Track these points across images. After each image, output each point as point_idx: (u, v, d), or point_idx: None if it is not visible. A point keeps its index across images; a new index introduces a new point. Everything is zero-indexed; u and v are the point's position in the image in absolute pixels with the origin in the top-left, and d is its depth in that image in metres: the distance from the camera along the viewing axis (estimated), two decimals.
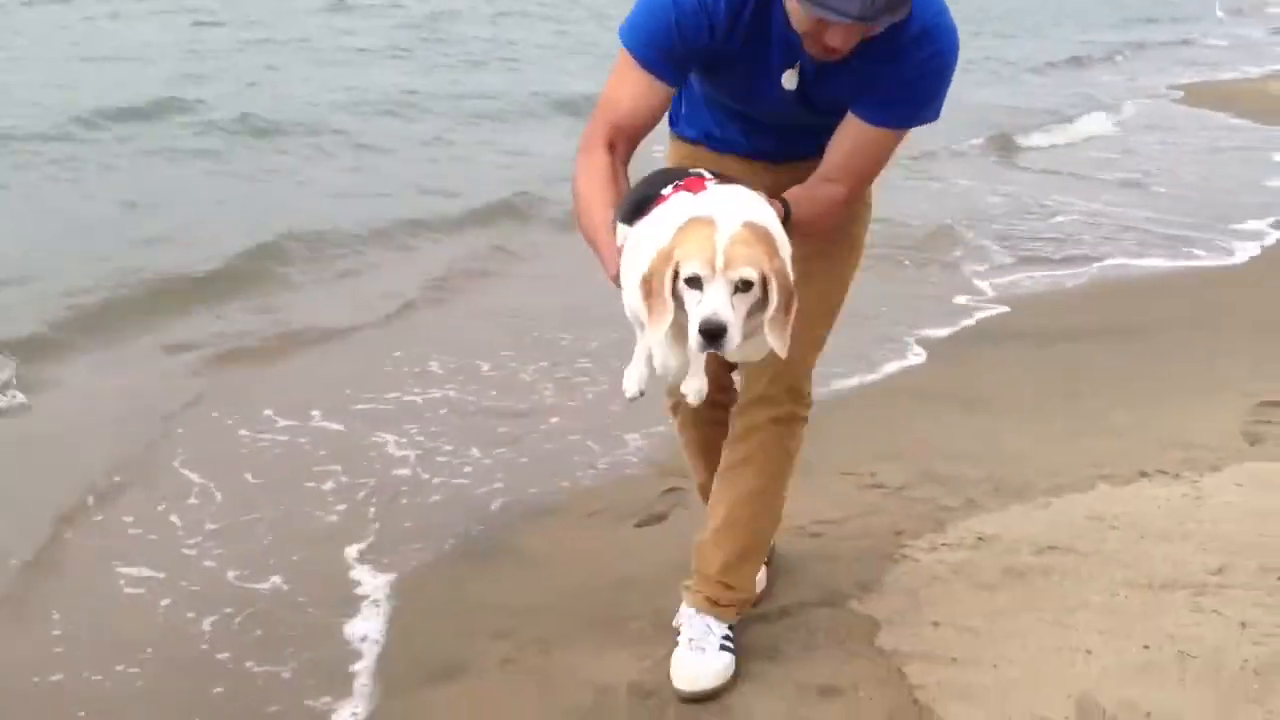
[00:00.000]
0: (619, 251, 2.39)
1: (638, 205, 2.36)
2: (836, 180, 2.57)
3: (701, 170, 2.41)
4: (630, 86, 2.50)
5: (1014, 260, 7.28)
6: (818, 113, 2.58)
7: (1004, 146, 11.10)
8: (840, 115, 2.55)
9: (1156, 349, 5.53)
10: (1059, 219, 8.50)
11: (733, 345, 2.11)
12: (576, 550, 3.57)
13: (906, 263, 7.03)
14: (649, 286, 2.16)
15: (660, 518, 3.77)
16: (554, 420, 4.63)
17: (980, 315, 6.16)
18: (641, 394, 2.46)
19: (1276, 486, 3.92)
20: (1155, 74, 18.18)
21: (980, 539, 3.54)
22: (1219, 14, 31.67)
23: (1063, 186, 9.68)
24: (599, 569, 3.43)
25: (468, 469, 4.16)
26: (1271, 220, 8.39)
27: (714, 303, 2.07)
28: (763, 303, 2.16)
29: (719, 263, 2.08)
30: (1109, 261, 7.34)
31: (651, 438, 4.33)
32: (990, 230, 7.98)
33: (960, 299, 6.43)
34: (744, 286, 2.10)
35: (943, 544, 3.52)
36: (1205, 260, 7.42)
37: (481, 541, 3.67)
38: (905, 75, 2.45)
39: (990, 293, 6.57)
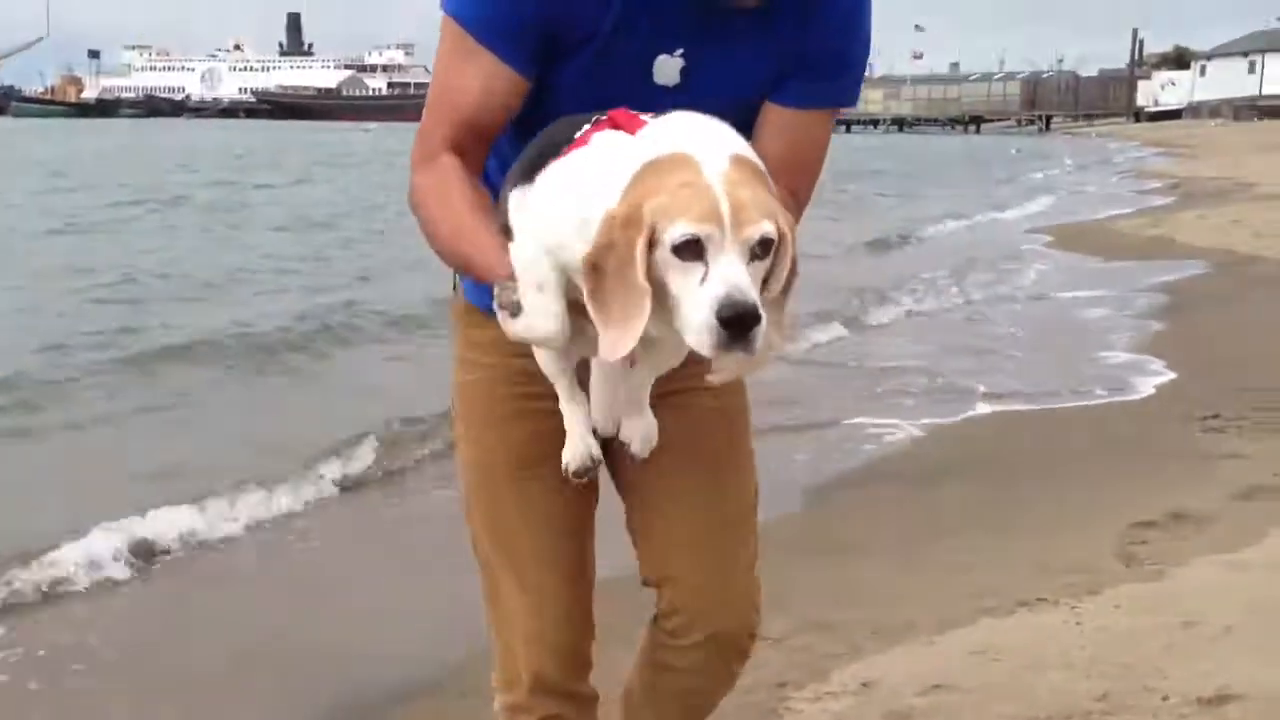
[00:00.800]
0: (509, 235, 1.67)
1: (536, 158, 1.65)
2: (783, 184, 1.88)
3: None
4: (475, 73, 1.80)
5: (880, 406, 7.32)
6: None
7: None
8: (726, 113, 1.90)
9: (1025, 482, 5.58)
10: (916, 363, 8.62)
11: (761, 343, 1.39)
12: None
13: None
14: (601, 268, 1.42)
15: None
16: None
17: (848, 463, 6.16)
18: (595, 462, 1.87)
19: (1152, 606, 3.90)
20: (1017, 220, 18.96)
21: (864, 685, 3.44)
22: (1067, 162, 33.61)
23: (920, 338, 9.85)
24: None
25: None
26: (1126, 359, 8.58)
27: (735, 275, 1.36)
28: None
29: (726, 216, 1.37)
30: (973, 410, 7.35)
31: None
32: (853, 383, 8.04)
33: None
34: (761, 251, 1.40)
35: (826, 692, 3.41)
36: (1069, 402, 7.48)
37: None
38: (833, 33, 1.88)
39: (855, 439, 6.58)
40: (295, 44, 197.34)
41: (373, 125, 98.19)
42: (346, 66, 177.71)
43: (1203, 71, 74.13)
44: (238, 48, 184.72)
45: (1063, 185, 26.92)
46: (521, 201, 1.64)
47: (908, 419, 6.93)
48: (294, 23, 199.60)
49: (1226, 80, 68.96)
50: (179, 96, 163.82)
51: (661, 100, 1.72)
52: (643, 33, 1.79)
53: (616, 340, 1.41)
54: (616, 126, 1.56)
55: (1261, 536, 4.50)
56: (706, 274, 1.37)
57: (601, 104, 1.66)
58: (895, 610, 3.98)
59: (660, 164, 1.42)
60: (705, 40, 1.80)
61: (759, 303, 1.36)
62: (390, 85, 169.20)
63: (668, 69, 1.83)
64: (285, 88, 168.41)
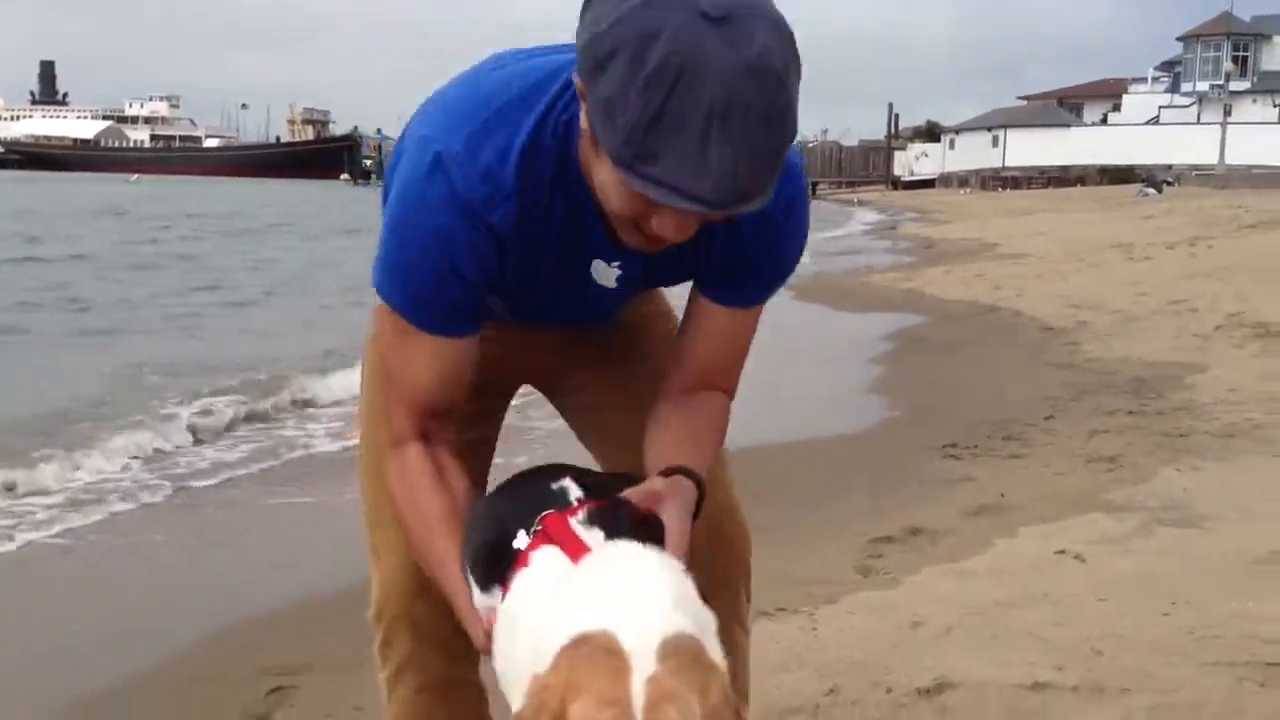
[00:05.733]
0: (483, 621, 1.68)
1: (489, 559, 1.65)
2: (716, 384, 1.94)
3: (564, 486, 1.66)
4: (421, 357, 1.78)
5: None
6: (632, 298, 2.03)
7: None
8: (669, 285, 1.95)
9: (768, 506, 5.70)
10: None
11: None
12: None
13: None
14: None
15: (263, 718, 3.44)
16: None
17: None
18: None
19: (883, 611, 4.05)
20: None
21: None
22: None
23: None
24: None
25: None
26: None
27: None
28: None
29: None
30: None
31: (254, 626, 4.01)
32: None
33: None
34: None
35: None
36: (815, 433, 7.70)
37: None
38: (772, 239, 1.82)
39: None
40: (49, 93, 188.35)
41: (135, 177, 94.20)
42: (105, 116, 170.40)
43: (952, 145, 78.80)
44: None
45: (824, 248, 28.02)
46: (483, 606, 1.66)
47: None
48: (47, 71, 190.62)
49: (973, 153, 73.55)
50: None
51: (598, 296, 1.85)
52: (583, 252, 1.79)
53: None
54: (550, 540, 1.55)
55: (986, 548, 4.74)
56: None
57: (540, 299, 1.84)
58: None
59: (592, 654, 1.36)
60: (640, 255, 1.74)
61: None
62: (153, 137, 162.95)
63: (605, 273, 1.83)
64: (38, 138, 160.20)
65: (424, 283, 1.72)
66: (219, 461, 6.99)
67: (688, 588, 1.51)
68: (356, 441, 2.18)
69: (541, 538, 1.56)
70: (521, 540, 1.58)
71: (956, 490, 5.81)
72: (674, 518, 1.65)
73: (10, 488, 6.00)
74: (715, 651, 1.45)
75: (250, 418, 8.01)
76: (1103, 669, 3.36)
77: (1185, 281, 13.59)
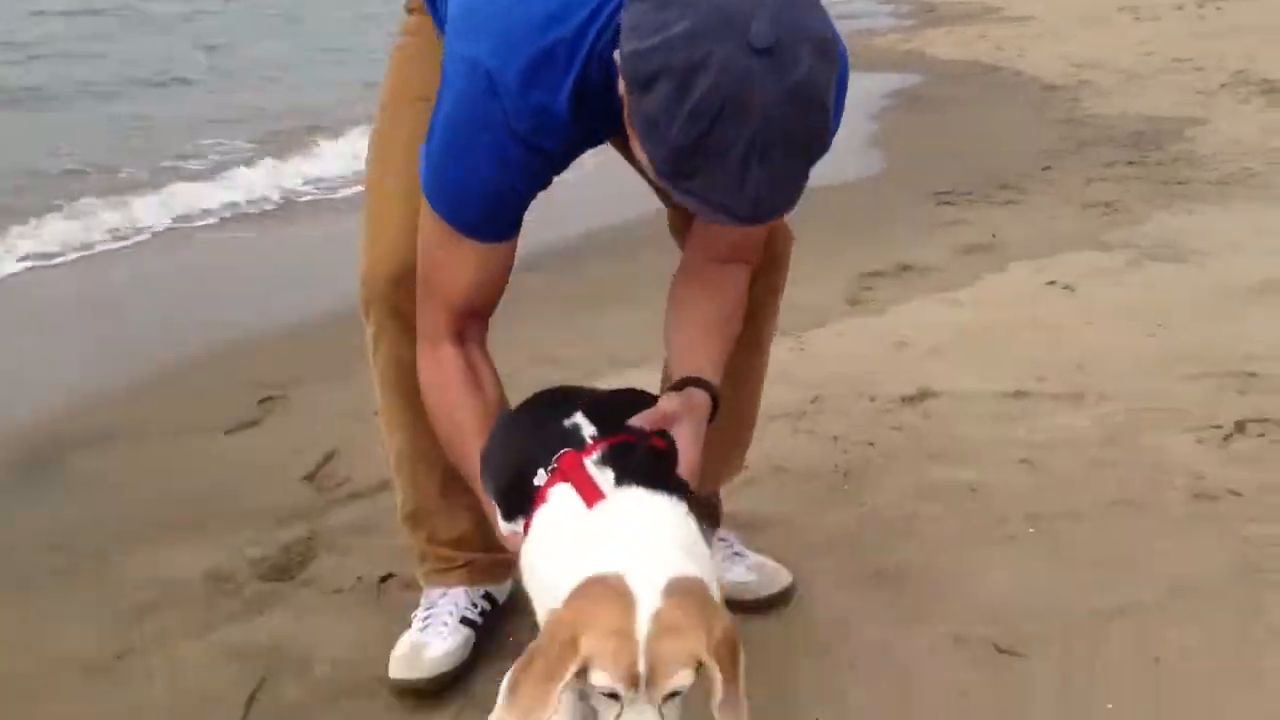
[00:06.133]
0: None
1: (512, 495, 1.71)
2: (745, 258, 1.94)
3: (577, 424, 1.66)
4: (464, 263, 1.80)
5: None
6: None
7: None
8: None
9: None
10: None
11: None
12: (153, 465, 3.24)
13: None
14: (532, 657, 1.45)
15: (252, 424, 3.49)
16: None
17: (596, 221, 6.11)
18: None
19: (869, 332, 4.08)
20: None
21: None
22: None
23: None
24: (177, 478, 3.12)
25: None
26: None
27: None
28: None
29: (643, 671, 1.39)
30: None
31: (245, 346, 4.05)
32: None
33: None
34: (674, 695, 1.42)
35: None
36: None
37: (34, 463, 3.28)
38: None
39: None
40: None
41: None
42: None
43: None
44: None
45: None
46: (507, 529, 1.72)
47: None
48: None
49: None
50: None
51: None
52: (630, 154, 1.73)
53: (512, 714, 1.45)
54: (566, 478, 1.58)
55: (976, 281, 4.74)
56: (621, 714, 1.41)
57: None
58: (635, 345, 4.02)
59: (600, 592, 1.43)
60: None
61: None
62: None
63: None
64: None
65: (476, 199, 1.74)
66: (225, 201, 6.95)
67: (694, 534, 1.56)
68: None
69: (558, 475, 1.60)
70: (541, 477, 1.62)
71: (949, 232, 5.77)
72: (686, 440, 1.68)
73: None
74: (717, 595, 1.51)
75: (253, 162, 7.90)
76: (1084, 380, 3.40)
77: (1193, 41, 13.22)
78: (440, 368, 1.85)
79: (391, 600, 2.40)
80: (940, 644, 2.11)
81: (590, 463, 1.59)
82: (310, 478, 3.05)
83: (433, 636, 2.13)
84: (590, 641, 1.39)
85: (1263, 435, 2.93)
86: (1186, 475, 2.73)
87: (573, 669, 1.39)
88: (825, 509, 2.71)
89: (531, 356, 3.89)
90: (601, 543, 1.49)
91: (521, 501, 1.65)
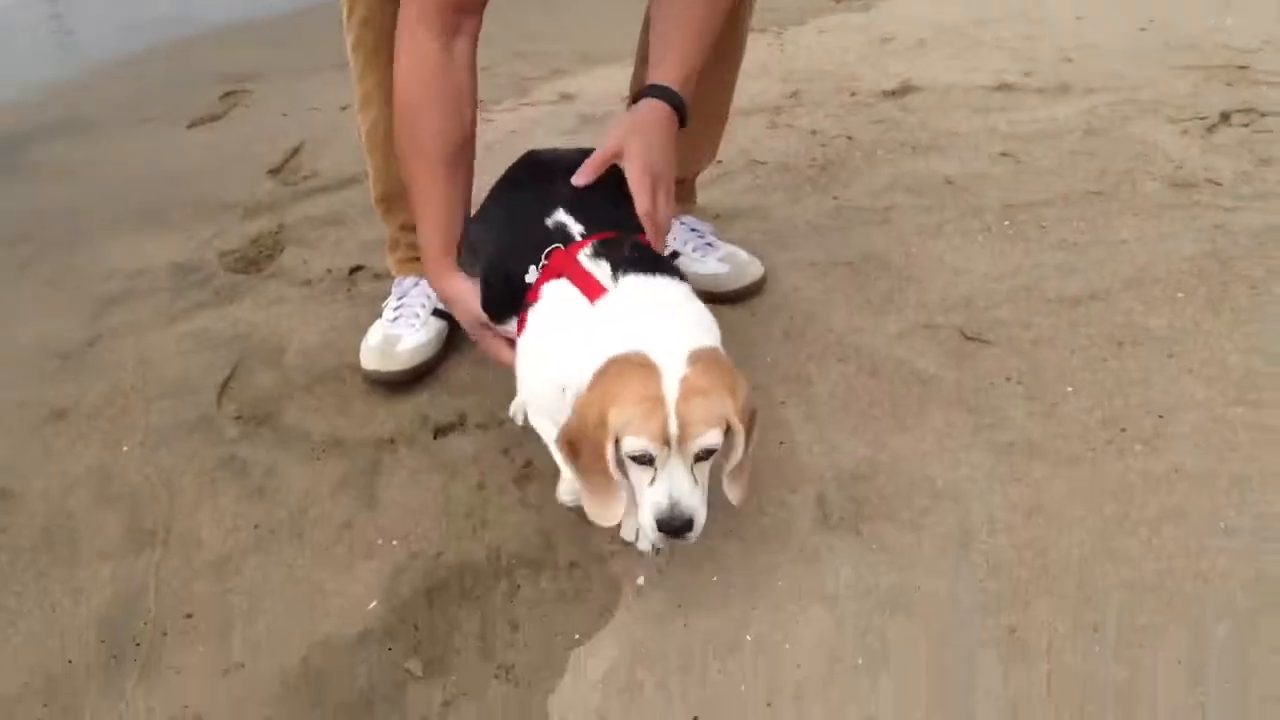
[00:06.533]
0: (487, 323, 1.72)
1: (502, 296, 1.67)
2: None
3: (562, 222, 1.64)
4: None
5: None
6: None
7: None
8: None
9: None
10: None
11: (700, 531, 1.44)
12: (115, 156, 3.16)
13: None
14: (576, 448, 1.47)
15: (216, 118, 3.39)
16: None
17: None
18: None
19: (853, 28, 3.94)
20: None
21: (563, 95, 3.38)
22: None
23: None
24: (139, 170, 3.05)
25: None
26: None
27: (675, 489, 1.42)
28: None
29: (673, 433, 1.40)
30: None
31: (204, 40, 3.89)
32: None
33: None
34: (706, 454, 1.44)
35: (524, 104, 3.33)
36: None
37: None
38: None
39: None
40: None
41: None
42: None
43: None
44: None
45: None
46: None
47: None
48: None
49: None
50: None
51: None
52: None
53: (600, 515, 1.49)
54: (560, 274, 1.55)
55: None
56: (655, 477, 1.43)
57: None
58: (601, 41, 3.89)
59: (624, 367, 1.42)
60: None
61: (694, 507, 1.42)
62: None
63: None
64: None
65: None
66: None
67: (703, 309, 1.56)
68: None
69: (550, 272, 1.58)
70: (532, 275, 1.60)
71: None
72: (634, 172, 1.66)
73: None
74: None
75: None
76: (1071, 72, 3.31)
77: None
78: (418, 64, 1.74)
79: (361, 292, 2.39)
80: (909, 332, 2.12)
81: (584, 257, 1.56)
82: (276, 171, 2.98)
83: (405, 329, 2.13)
84: (620, 411, 1.41)
85: (1247, 125, 2.87)
86: (1166, 164, 2.69)
87: (610, 442, 1.41)
88: (800, 201, 2.67)
89: (507, 52, 3.77)
90: (615, 327, 1.48)
91: (512, 303, 1.63)
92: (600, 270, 1.54)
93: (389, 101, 1.95)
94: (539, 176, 1.76)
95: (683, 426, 1.40)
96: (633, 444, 1.40)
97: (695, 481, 1.43)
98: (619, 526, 1.65)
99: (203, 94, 3.51)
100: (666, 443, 1.40)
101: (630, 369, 1.42)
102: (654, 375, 1.41)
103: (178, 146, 3.19)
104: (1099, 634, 1.45)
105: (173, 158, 3.10)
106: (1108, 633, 1.45)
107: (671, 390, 1.40)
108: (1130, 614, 1.48)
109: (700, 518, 1.43)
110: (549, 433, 1.64)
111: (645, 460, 1.42)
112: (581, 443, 1.45)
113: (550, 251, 1.59)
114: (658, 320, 1.49)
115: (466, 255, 1.78)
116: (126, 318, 2.34)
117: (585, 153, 1.73)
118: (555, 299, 1.56)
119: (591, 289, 1.54)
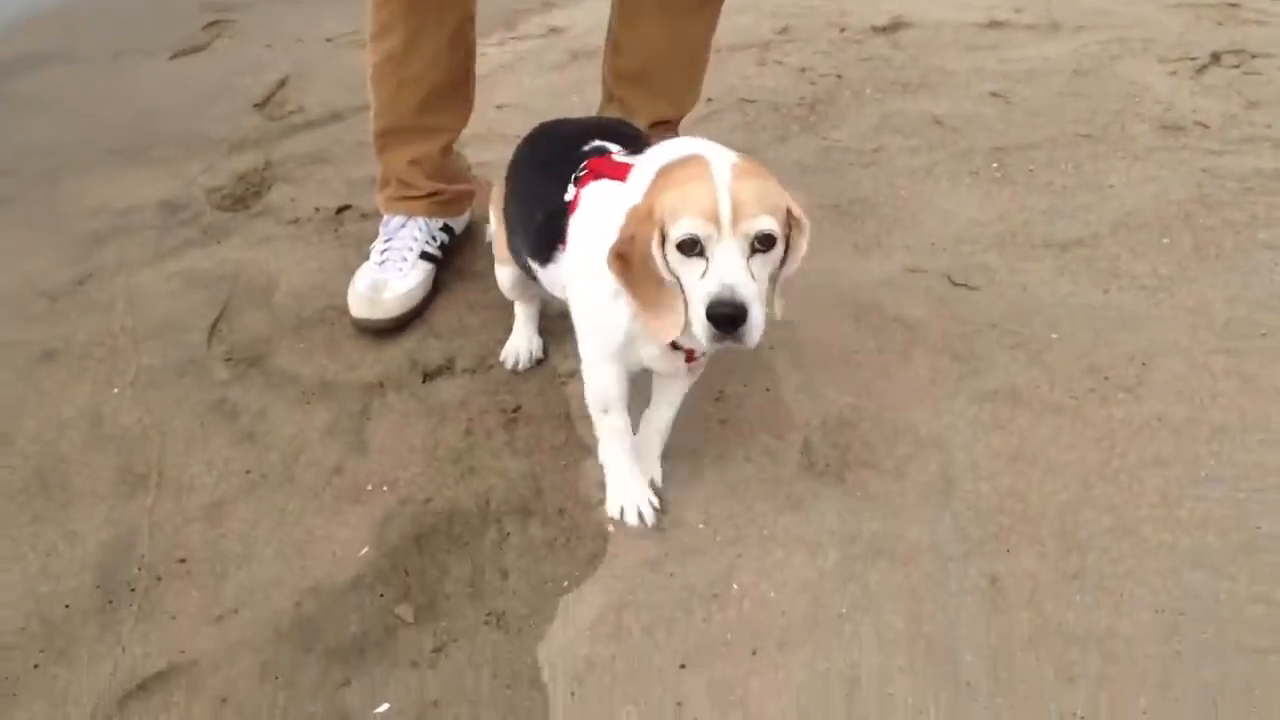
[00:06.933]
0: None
1: (543, 231, 1.62)
2: None
3: (599, 145, 1.60)
4: None
5: None
6: None
7: None
8: None
9: None
10: None
11: (757, 335, 1.34)
12: (94, 87, 3.12)
13: None
14: (626, 258, 1.38)
15: (198, 49, 3.34)
16: None
17: None
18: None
19: None
20: None
21: (552, 29, 3.34)
22: None
23: None
24: (121, 103, 3.01)
25: None
26: None
27: (728, 270, 1.32)
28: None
29: (725, 214, 1.32)
30: None
31: None
32: None
33: None
34: (763, 244, 1.34)
35: (511, 38, 3.30)
36: None
37: None
38: None
39: None
40: None
41: None
42: None
43: None
44: None
45: None
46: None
47: None
48: None
49: None
50: None
51: None
52: None
53: (659, 328, 1.40)
54: (599, 176, 1.51)
55: None
56: (707, 269, 1.33)
57: None
58: None
59: (674, 164, 1.38)
60: None
61: (749, 298, 1.31)
62: None
63: None
64: None
65: None
66: None
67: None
68: None
69: (588, 177, 1.54)
70: (570, 193, 1.56)
71: None
72: None
73: None
74: None
75: None
76: (1061, 11, 3.29)
77: None
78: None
79: (348, 231, 2.38)
80: (895, 277, 2.13)
81: (616, 156, 1.55)
82: (262, 105, 2.96)
83: (392, 273, 2.12)
84: (667, 196, 1.34)
85: (1237, 66, 2.87)
86: (1155, 106, 2.69)
87: (657, 234, 1.35)
88: (789, 141, 2.66)
89: None
90: (665, 149, 1.43)
91: (554, 237, 1.60)
92: (633, 159, 1.52)
93: (408, 32, 1.93)
94: (556, 136, 1.74)
95: (736, 207, 1.32)
96: (681, 227, 1.32)
97: (752, 276, 1.34)
98: (618, 525, 1.66)
99: (185, 24, 3.46)
100: (716, 224, 1.33)
101: (680, 164, 1.38)
102: (704, 164, 1.35)
103: (160, 78, 3.15)
104: (1079, 581, 1.48)
105: (155, 90, 3.07)
106: (1088, 580, 1.48)
107: (722, 174, 1.34)
108: (1111, 562, 1.51)
109: (757, 313, 1.33)
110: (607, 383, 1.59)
111: (696, 251, 1.34)
112: (631, 252, 1.38)
113: (588, 161, 1.57)
114: (702, 144, 1.43)
115: (511, 239, 1.76)
116: (115, 256, 2.33)
117: (592, 120, 1.75)
118: (594, 196, 1.53)
119: (625, 171, 1.50)
